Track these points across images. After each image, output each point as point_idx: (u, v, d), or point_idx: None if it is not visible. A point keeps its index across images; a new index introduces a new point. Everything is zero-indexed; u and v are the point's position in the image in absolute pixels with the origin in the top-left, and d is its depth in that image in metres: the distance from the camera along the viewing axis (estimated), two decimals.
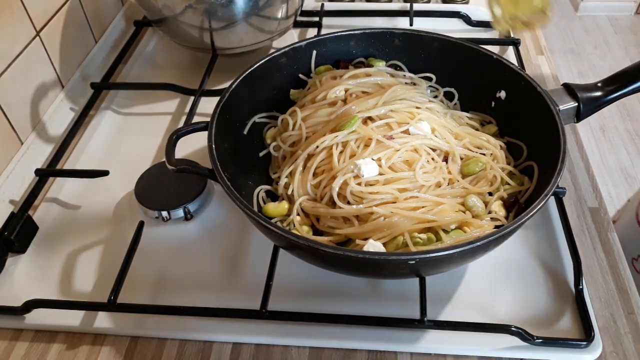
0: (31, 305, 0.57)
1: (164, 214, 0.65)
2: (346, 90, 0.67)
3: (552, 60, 0.91)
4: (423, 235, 0.55)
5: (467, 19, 0.96)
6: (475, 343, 0.54)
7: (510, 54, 0.88)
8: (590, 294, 0.58)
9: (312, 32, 0.95)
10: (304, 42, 0.71)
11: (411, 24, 0.93)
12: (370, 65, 0.72)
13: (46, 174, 0.71)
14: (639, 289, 0.60)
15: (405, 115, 0.64)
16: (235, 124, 0.66)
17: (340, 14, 0.98)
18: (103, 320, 0.57)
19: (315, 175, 0.62)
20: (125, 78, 0.89)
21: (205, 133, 0.59)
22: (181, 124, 0.79)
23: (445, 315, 0.56)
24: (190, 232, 0.65)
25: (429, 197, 0.58)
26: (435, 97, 0.72)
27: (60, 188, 0.71)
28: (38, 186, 0.70)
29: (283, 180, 0.63)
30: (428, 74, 0.73)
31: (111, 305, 0.56)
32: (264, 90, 0.69)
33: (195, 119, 0.77)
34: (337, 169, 0.60)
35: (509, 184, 0.61)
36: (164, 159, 0.58)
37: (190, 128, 0.61)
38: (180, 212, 0.65)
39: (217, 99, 0.62)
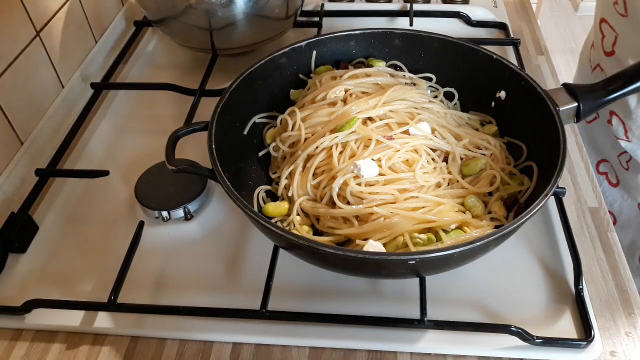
0: (31, 305, 0.57)
1: (164, 214, 0.65)
2: (346, 91, 0.67)
3: (552, 60, 0.91)
4: (423, 236, 0.55)
5: (467, 19, 0.96)
6: (475, 343, 0.54)
7: (510, 54, 0.88)
8: (590, 294, 0.58)
9: (312, 32, 0.95)
10: (304, 42, 0.71)
11: (411, 24, 0.93)
12: (370, 66, 0.72)
13: (46, 174, 0.71)
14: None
15: (405, 115, 0.64)
16: (235, 124, 0.66)
17: (340, 14, 0.98)
18: (103, 320, 0.57)
19: (315, 175, 0.62)
20: (125, 78, 0.89)
21: (205, 133, 0.59)
22: (181, 124, 0.79)
23: (445, 315, 0.56)
24: (190, 232, 0.65)
25: (429, 198, 0.58)
26: (435, 97, 0.72)
27: (60, 188, 0.71)
28: (38, 186, 0.69)
29: (283, 181, 0.63)
30: (428, 74, 0.73)
31: (111, 305, 0.56)
32: (264, 90, 0.69)
33: (195, 119, 0.77)
34: (337, 170, 0.60)
35: (508, 184, 0.61)
36: (164, 159, 0.58)
37: (190, 128, 0.61)
38: (180, 212, 0.65)
39: (217, 99, 0.62)
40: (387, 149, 0.61)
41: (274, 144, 0.67)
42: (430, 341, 0.54)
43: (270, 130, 0.69)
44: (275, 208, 0.61)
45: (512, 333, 0.53)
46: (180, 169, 0.57)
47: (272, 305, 0.55)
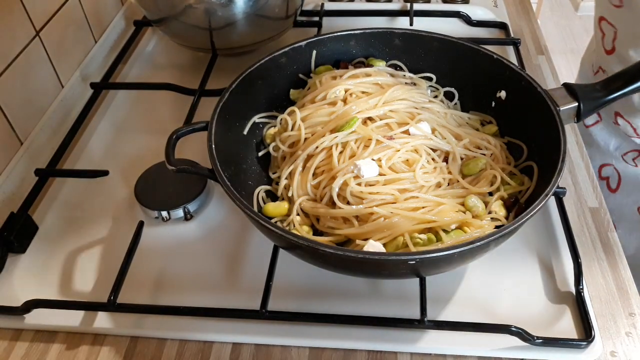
0: (31, 305, 0.57)
1: (164, 214, 0.65)
2: (346, 91, 0.67)
3: (552, 60, 0.91)
4: (423, 236, 0.55)
5: (467, 19, 0.96)
6: (475, 343, 0.54)
7: (510, 54, 0.88)
8: (590, 294, 0.58)
9: (312, 32, 0.95)
10: (304, 42, 0.71)
11: (411, 24, 0.93)
12: (370, 65, 0.72)
13: (46, 174, 0.71)
14: None
15: (405, 115, 0.64)
16: (235, 124, 0.66)
17: (340, 13, 0.98)
18: (103, 320, 0.57)
19: (315, 175, 0.62)
20: (125, 78, 0.89)
21: (205, 133, 0.59)
22: (181, 124, 0.79)
23: (445, 315, 0.56)
24: (190, 232, 0.65)
25: (429, 198, 0.58)
26: (436, 97, 0.72)
27: (60, 188, 0.71)
28: (38, 186, 0.69)
29: (283, 181, 0.63)
30: (428, 74, 0.73)
31: (111, 305, 0.56)
32: (264, 90, 0.69)
33: (195, 119, 0.77)
34: (337, 170, 0.60)
35: (509, 184, 0.61)
36: (164, 159, 0.58)
37: (190, 128, 0.61)
38: (180, 212, 0.65)
39: (217, 99, 0.62)
40: (387, 149, 0.60)
41: (273, 144, 0.67)
42: (430, 341, 0.54)
43: (270, 130, 0.69)
44: (275, 208, 0.61)
45: (512, 333, 0.53)
46: (180, 169, 0.57)
47: (272, 305, 0.55)
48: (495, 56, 0.67)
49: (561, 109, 0.60)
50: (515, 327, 0.52)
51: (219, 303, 0.57)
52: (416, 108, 0.65)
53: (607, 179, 0.93)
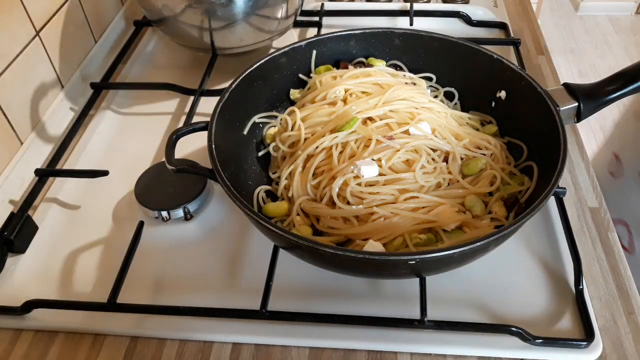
0: (31, 305, 0.57)
1: (164, 214, 0.65)
2: (346, 90, 0.67)
3: (552, 60, 0.91)
4: (423, 236, 0.55)
5: (467, 19, 0.96)
6: (475, 343, 0.54)
7: (510, 54, 0.88)
8: (590, 294, 0.58)
9: (312, 32, 0.95)
10: (304, 42, 0.71)
11: (411, 24, 0.93)
12: (370, 65, 0.72)
13: (46, 174, 0.71)
14: None
15: (405, 115, 0.64)
16: (235, 124, 0.66)
17: (340, 13, 0.98)
18: (103, 320, 0.57)
19: (315, 175, 0.62)
20: (125, 78, 0.89)
21: (205, 133, 0.59)
22: (181, 124, 0.79)
23: (445, 315, 0.56)
24: (190, 232, 0.65)
25: (429, 198, 0.58)
26: (436, 97, 0.72)
27: (60, 188, 0.71)
28: (38, 186, 0.69)
29: (283, 181, 0.63)
30: (428, 74, 0.73)
31: (111, 306, 0.56)
32: (264, 90, 0.69)
33: (195, 119, 0.77)
34: (337, 170, 0.60)
35: (509, 183, 0.61)
36: (164, 159, 0.58)
37: (190, 128, 0.61)
38: (180, 212, 0.65)
39: (217, 99, 0.62)
40: (387, 149, 0.60)
41: (273, 144, 0.67)
42: (430, 341, 0.54)
43: (270, 130, 0.69)
44: (275, 208, 0.61)
45: (512, 333, 0.53)
46: (180, 169, 0.57)
47: (272, 305, 0.55)
48: (495, 56, 0.67)
49: (561, 109, 0.60)
50: (515, 327, 0.53)
51: (219, 303, 0.57)
52: (416, 108, 0.65)
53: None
